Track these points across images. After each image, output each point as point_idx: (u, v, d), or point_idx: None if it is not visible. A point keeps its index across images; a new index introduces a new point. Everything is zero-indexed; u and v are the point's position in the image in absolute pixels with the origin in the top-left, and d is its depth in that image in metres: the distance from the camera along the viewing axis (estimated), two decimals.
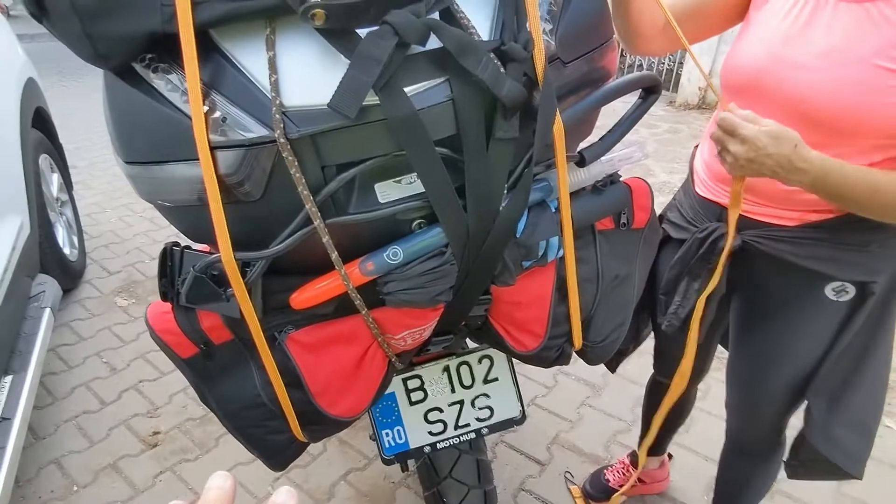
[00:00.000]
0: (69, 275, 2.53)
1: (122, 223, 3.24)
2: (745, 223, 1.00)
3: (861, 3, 0.82)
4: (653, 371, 1.46)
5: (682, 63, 6.03)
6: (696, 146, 1.16)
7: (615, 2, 0.94)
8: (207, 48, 0.59)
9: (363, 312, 0.73)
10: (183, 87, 0.59)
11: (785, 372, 1.08)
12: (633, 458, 1.72)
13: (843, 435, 1.05)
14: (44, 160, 2.46)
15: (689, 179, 1.17)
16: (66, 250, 2.52)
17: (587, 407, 2.06)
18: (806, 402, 1.09)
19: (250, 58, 0.58)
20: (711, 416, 2.00)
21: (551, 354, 0.86)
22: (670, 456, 1.75)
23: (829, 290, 0.98)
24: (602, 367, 1.45)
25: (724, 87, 0.98)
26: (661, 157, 4.39)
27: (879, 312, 1.00)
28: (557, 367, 0.89)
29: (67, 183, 2.77)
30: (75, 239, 2.72)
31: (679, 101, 5.89)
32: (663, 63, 6.55)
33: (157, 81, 0.61)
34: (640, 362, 1.41)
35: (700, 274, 1.04)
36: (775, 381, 1.10)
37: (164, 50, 0.60)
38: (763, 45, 0.91)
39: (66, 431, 1.87)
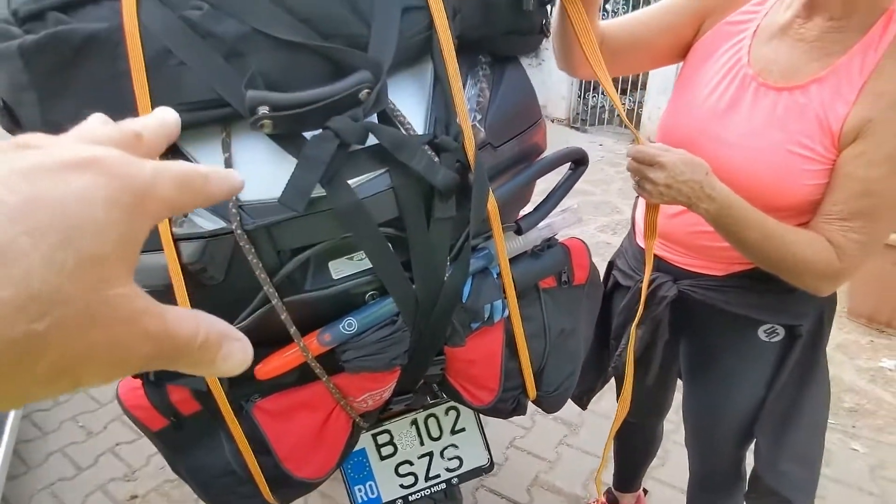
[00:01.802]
0: None
1: None
2: (680, 273, 1.09)
3: (779, 91, 0.90)
4: None
5: (642, 103, 6.27)
6: (638, 197, 1.25)
7: (555, 28, 0.98)
8: (169, 149, 0.65)
9: (324, 379, 0.78)
10: None
11: (732, 412, 1.14)
12: (611, 495, 1.75)
13: (790, 469, 1.11)
14: None
15: (632, 230, 1.25)
16: None
17: (565, 446, 2.10)
18: (755, 438, 1.15)
19: (208, 158, 0.65)
20: (685, 448, 2.06)
21: (507, 406, 0.91)
22: (645, 491, 1.79)
23: (761, 333, 1.06)
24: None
25: (661, 142, 1.02)
26: (627, 195, 4.52)
27: (810, 352, 1.07)
28: (535, 408, 0.94)
29: None
30: None
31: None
32: (625, 104, 6.81)
33: None
34: (615, 397, 1.46)
35: (643, 320, 1.11)
36: (724, 420, 1.17)
37: None
38: (693, 118, 0.98)
39: (41, 500, 1.84)
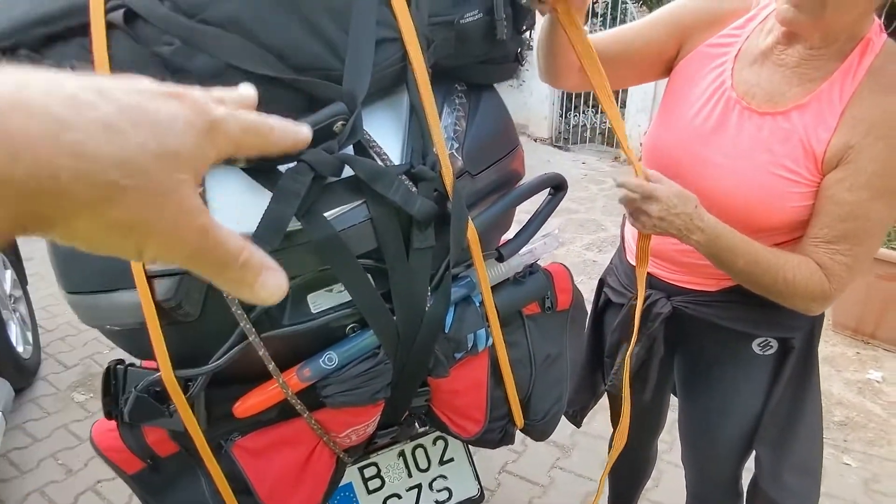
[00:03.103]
0: (23, 373, 2.46)
1: None
2: (673, 290, 1.10)
3: (762, 116, 0.92)
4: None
5: (624, 120, 6.36)
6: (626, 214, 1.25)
7: (542, 42, 0.98)
8: None
9: (305, 415, 0.76)
10: None
11: (730, 425, 1.14)
12: None
13: (791, 479, 1.12)
14: None
15: (622, 247, 1.25)
16: (20, 348, 2.46)
17: (558, 469, 2.07)
18: (754, 451, 1.15)
19: None
20: (679, 468, 2.04)
21: (495, 436, 0.90)
22: None
23: (755, 346, 1.07)
24: (570, 427, 1.49)
25: (647, 163, 1.05)
26: (611, 212, 4.56)
27: (803, 363, 1.08)
28: None
29: (21, 278, 2.73)
30: (29, 335, 2.66)
31: (623, 157, 6.17)
32: (605, 122, 6.89)
33: None
34: (607, 417, 1.45)
35: (638, 339, 1.11)
36: (723, 434, 1.16)
37: None
38: (679, 138, 0.99)
39: None
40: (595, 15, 7.29)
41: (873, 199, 0.85)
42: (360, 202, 0.66)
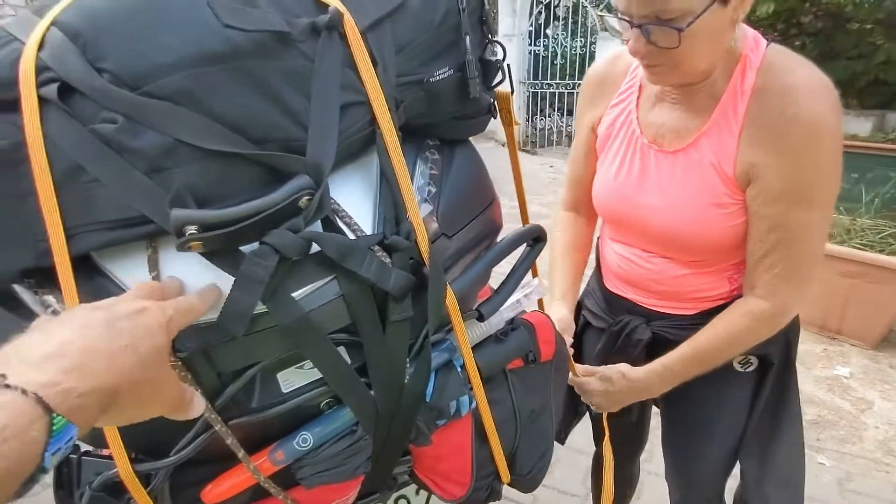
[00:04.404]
0: None
1: None
2: (652, 315, 1.13)
3: (675, 154, 0.97)
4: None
5: None
6: (601, 236, 1.28)
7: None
8: (89, 269, 0.58)
9: (280, 497, 0.71)
10: (63, 310, 0.58)
11: (715, 441, 1.16)
12: None
13: (775, 492, 1.14)
14: None
15: (598, 271, 1.27)
16: None
17: (542, 487, 2.05)
18: (738, 465, 1.18)
19: (133, 277, 0.58)
20: (660, 477, 2.04)
21: (481, 495, 0.86)
22: None
23: (736, 364, 1.10)
24: None
25: (598, 212, 1.18)
26: None
27: (783, 376, 1.12)
28: None
29: None
30: None
31: None
32: (571, 125, 6.94)
33: (36, 306, 0.59)
34: (586, 430, 1.44)
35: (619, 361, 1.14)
36: (707, 450, 1.18)
37: (42, 273, 0.59)
38: (615, 193, 1.07)
39: None
40: (557, 18, 7.36)
41: (790, 209, 0.89)
42: (330, 278, 0.61)
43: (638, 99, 1.04)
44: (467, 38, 0.68)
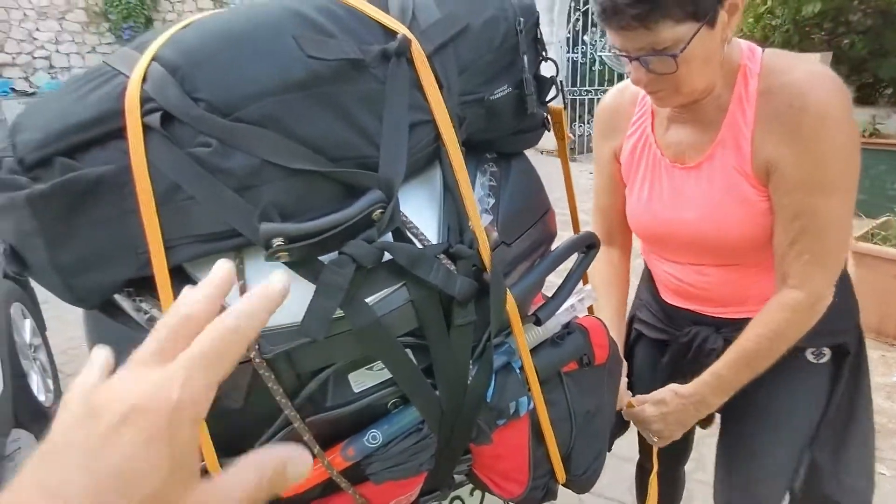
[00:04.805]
0: (45, 422, 2.46)
1: None
2: (720, 323, 1.13)
3: (699, 168, 1.01)
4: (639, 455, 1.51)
5: None
6: (645, 252, 1.27)
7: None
8: (181, 279, 0.64)
9: (350, 491, 0.75)
10: (160, 316, 0.64)
11: (786, 435, 1.15)
12: None
13: (850, 480, 1.13)
14: (15, 308, 2.45)
15: (650, 284, 1.27)
16: (41, 397, 2.46)
17: (587, 493, 2.05)
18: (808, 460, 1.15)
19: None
20: (709, 486, 2.00)
21: (538, 494, 0.89)
22: None
23: (808, 355, 1.10)
24: None
25: (638, 236, 1.20)
26: None
27: (856, 365, 1.12)
28: None
29: (40, 325, 2.74)
30: (50, 382, 2.66)
31: None
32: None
33: (135, 313, 0.65)
34: (631, 438, 1.43)
35: (687, 374, 1.12)
36: (776, 445, 1.16)
37: (140, 283, 0.65)
38: (649, 215, 1.10)
39: None
40: (594, 25, 7.32)
41: (809, 196, 0.91)
42: (400, 285, 0.65)
43: (652, 123, 1.08)
44: (524, 58, 0.72)
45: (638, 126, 1.11)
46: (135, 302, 0.66)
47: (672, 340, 1.19)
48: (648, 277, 1.27)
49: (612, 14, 0.84)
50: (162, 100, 0.57)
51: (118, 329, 0.66)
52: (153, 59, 0.60)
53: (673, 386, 1.08)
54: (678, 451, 1.49)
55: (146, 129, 0.58)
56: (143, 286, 0.65)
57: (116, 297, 0.67)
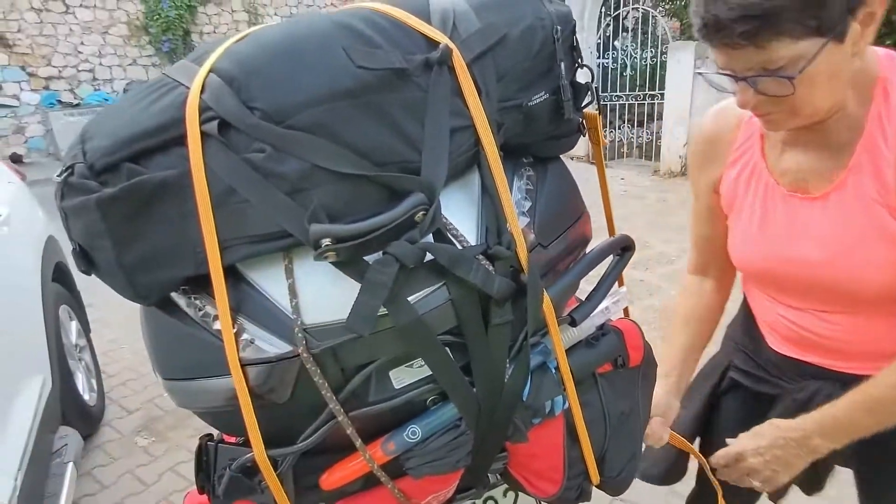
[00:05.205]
0: (89, 421, 2.56)
1: (138, 357, 3.30)
2: (848, 378, 0.94)
3: (825, 198, 0.86)
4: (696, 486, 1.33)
5: (659, 134, 6.29)
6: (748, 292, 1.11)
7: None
8: (235, 278, 0.68)
9: (389, 486, 0.78)
10: (214, 313, 0.68)
11: None
12: None
13: None
14: (63, 310, 2.55)
15: (752, 327, 1.10)
16: (86, 396, 2.56)
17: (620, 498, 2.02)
18: None
19: (273, 285, 0.67)
20: None
21: (572, 494, 0.90)
22: None
23: None
24: (662, 489, 1.35)
25: (745, 276, 1.05)
26: (655, 227, 4.50)
27: None
28: None
29: (85, 327, 2.85)
30: (94, 382, 2.76)
31: (663, 170, 6.11)
32: (641, 136, 6.83)
33: (190, 309, 0.69)
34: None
35: None
36: None
37: (195, 281, 0.69)
38: (760, 250, 0.94)
39: None
40: (625, 30, 7.30)
41: None
42: (440, 284, 0.68)
43: (762, 147, 0.93)
44: (562, 65, 0.74)
45: (743, 151, 0.96)
46: (189, 299, 0.70)
47: (782, 395, 1.03)
48: (749, 319, 1.10)
49: (716, 31, 0.72)
50: (220, 109, 0.61)
51: (173, 324, 0.70)
52: (211, 70, 0.64)
53: (771, 420, 0.94)
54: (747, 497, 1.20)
55: (205, 136, 0.62)
56: (198, 284, 0.69)
57: (172, 294, 0.71)
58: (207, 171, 0.62)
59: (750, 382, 1.09)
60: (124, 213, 0.62)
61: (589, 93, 0.81)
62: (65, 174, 0.64)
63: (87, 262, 0.67)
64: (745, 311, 1.11)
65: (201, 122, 0.61)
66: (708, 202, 1.05)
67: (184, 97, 0.63)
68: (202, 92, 0.62)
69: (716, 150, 1.00)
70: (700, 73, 0.90)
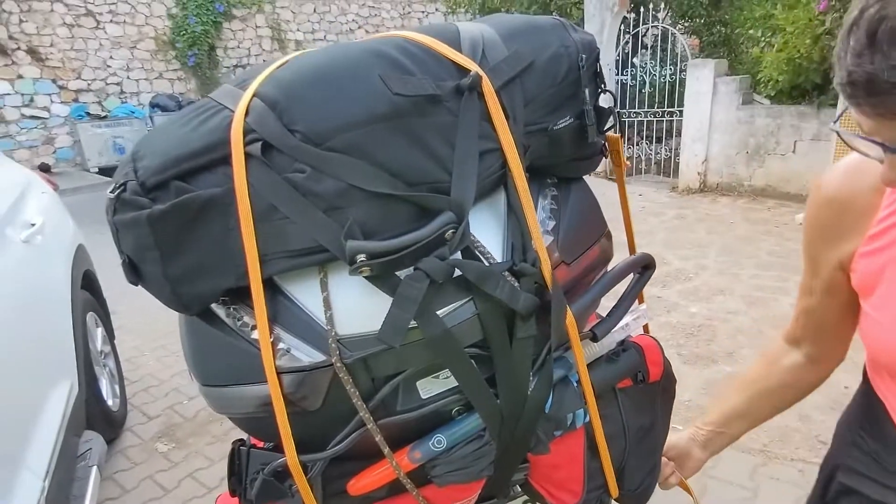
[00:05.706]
0: (112, 426, 2.61)
1: (160, 364, 3.36)
2: None
3: None
4: None
5: (678, 151, 6.27)
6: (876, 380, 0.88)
7: None
8: (272, 291, 0.71)
9: (414, 493, 0.80)
10: (252, 323, 0.71)
11: None
12: None
13: None
14: (90, 317, 2.62)
15: (885, 430, 0.86)
16: (110, 401, 2.62)
17: None
18: None
19: (308, 298, 0.70)
20: None
21: None
22: None
23: None
24: None
25: (875, 361, 0.84)
26: (673, 245, 4.49)
27: None
28: None
29: (110, 334, 2.92)
30: (117, 388, 2.82)
31: (681, 187, 6.09)
32: (660, 153, 6.83)
33: (229, 319, 0.73)
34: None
35: None
36: None
37: (234, 293, 0.72)
38: None
39: None
40: (644, 47, 7.33)
41: None
42: (467, 299, 0.71)
43: None
44: (586, 91, 0.78)
45: (891, 224, 0.74)
46: (229, 309, 0.74)
47: None
48: (874, 415, 0.88)
49: (868, 94, 0.56)
50: (263, 131, 0.65)
51: (212, 333, 0.74)
52: (254, 95, 0.68)
53: None
54: None
55: (248, 156, 0.66)
56: (237, 295, 0.73)
57: (212, 305, 0.75)
58: (250, 189, 0.66)
59: (871, 490, 0.88)
60: (172, 227, 0.66)
61: (611, 116, 0.84)
62: (118, 191, 0.68)
63: (136, 273, 0.71)
64: (867, 407, 0.90)
65: (245, 144, 0.66)
66: (830, 279, 0.84)
67: (229, 120, 0.67)
68: (246, 115, 0.66)
69: (848, 219, 0.80)
70: (835, 131, 0.68)
